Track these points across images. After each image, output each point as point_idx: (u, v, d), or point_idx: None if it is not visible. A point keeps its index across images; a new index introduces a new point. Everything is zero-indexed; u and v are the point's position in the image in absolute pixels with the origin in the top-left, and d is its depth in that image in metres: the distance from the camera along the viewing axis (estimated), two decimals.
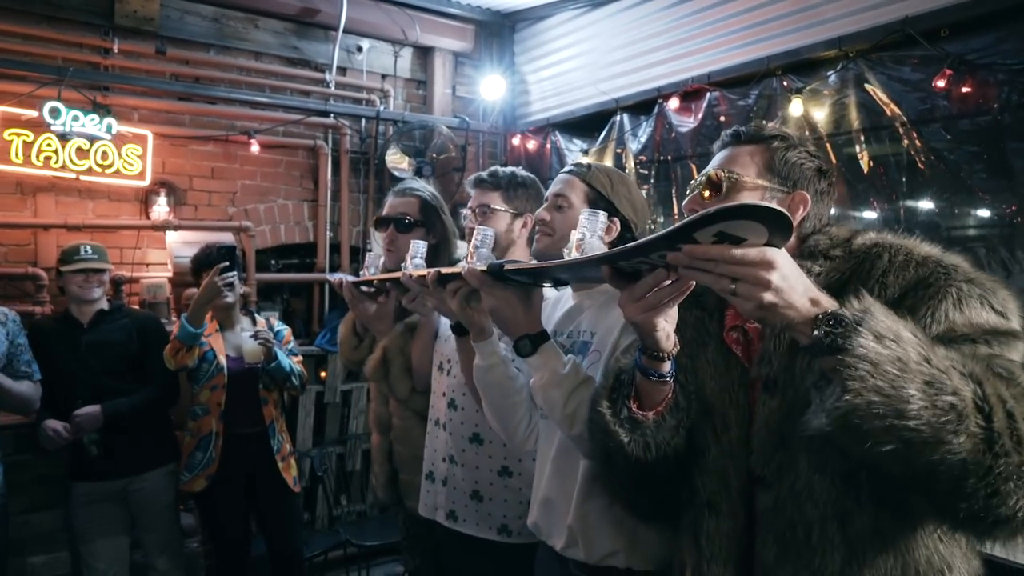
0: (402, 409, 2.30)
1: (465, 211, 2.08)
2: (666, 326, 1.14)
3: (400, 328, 2.20)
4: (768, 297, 0.91)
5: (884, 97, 2.84)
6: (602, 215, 1.29)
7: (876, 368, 0.86)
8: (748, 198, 1.21)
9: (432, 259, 2.00)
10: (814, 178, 1.25)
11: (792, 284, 0.92)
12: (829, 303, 0.95)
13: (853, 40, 2.96)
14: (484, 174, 2.04)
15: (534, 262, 1.42)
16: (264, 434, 3.09)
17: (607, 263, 1.08)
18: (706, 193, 1.24)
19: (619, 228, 1.66)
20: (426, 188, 2.37)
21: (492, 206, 1.99)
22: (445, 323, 2.00)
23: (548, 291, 1.71)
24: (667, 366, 1.19)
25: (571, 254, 1.26)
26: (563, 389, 1.42)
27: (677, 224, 0.90)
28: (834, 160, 3.06)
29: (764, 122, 1.35)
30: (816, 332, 0.92)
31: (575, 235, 1.28)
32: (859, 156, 2.96)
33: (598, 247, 1.23)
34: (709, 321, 1.30)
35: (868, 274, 1.13)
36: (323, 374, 4.39)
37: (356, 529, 3.92)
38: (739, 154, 1.27)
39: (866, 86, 2.90)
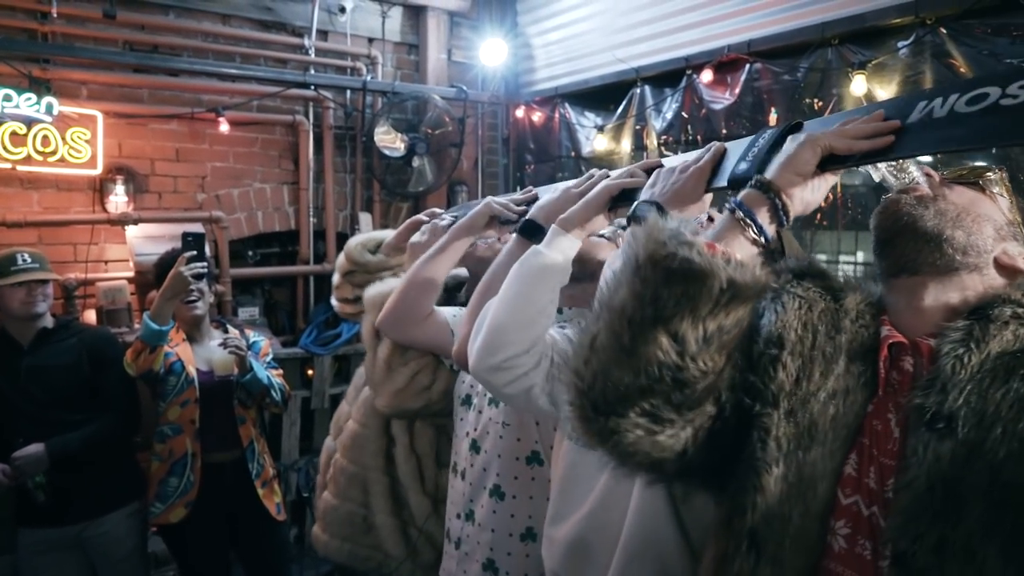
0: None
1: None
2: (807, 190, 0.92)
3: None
4: None
5: (972, 75, 2.38)
6: None
7: None
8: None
9: None
10: None
11: None
12: None
13: (933, 4, 2.55)
14: None
15: None
16: (242, 460, 2.78)
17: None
18: None
19: None
20: None
21: None
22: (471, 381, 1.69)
23: None
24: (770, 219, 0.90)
25: None
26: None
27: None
28: None
29: None
30: None
31: None
32: None
33: None
34: (842, 318, 0.90)
35: None
36: (310, 372, 3.99)
37: None
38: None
39: (949, 60, 2.48)
